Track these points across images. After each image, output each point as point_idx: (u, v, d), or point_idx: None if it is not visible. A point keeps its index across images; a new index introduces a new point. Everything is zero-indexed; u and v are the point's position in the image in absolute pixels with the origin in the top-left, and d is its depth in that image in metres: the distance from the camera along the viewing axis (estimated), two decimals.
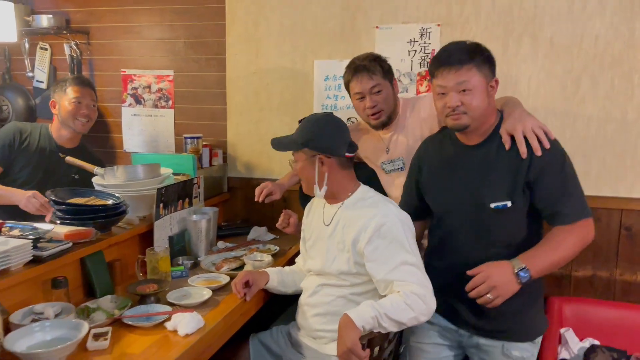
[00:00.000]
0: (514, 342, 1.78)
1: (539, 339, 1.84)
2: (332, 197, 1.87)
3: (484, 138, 1.78)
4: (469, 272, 1.65)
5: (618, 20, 2.32)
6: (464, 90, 1.66)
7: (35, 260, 1.68)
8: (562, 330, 2.34)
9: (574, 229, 1.65)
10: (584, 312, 2.41)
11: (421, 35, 2.58)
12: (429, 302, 1.62)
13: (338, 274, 1.79)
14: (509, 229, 1.74)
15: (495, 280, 1.60)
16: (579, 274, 2.52)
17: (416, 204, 1.99)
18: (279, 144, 1.87)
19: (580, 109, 2.41)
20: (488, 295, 1.60)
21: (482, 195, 1.72)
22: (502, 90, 2.46)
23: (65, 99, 2.47)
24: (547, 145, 1.65)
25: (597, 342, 2.30)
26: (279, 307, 2.24)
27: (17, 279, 1.61)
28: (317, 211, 1.99)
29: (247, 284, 1.91)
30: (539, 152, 1.64)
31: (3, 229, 1.75)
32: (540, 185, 1.67)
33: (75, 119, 2.47)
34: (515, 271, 1.60)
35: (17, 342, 1.42)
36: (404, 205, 1.96)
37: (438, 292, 1.67)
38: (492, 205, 1.70)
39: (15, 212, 2.15)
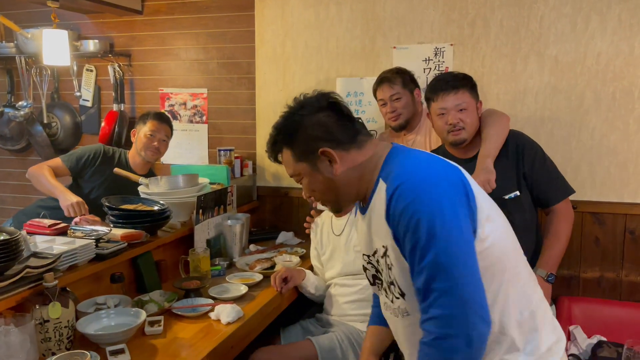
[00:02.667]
0: None
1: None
2: None
3: (476, 150, 2.08)
4: None
5: (618, 39, 2.51)
6: (461, 110, 1.99)
7: (97, 258, 1.92)
8: (571, 328, 2.49)
9: (562, 212, 2.08)
10: (592, 311, 2.56)
11: (435, 54, 2.80)
12: None
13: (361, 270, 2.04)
14: (522, 215, 2.05)
15: None
16: (587, 275, 2.68)
17: None
18: None
19: (585, 121, 2.60)
20: None
21: (495, 192, 1.97)
22: (512, 104, 2.67)
23: (143, 130, 2.72)
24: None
25: (604, 339, 2.45)
26: (304, 307, 2.46)
27: (82, 274, 1.85)
28: (324, 227, 2.34)
29: (285, 280, 2.15)
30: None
31: (69, 231, 2.01)
32: (533, 174, 2.05)
33: (146, 149, 2.72)
34: (545, 279, 2.04)
35: (88, 326, 1.66)
36: None
37: None
38: (506, 197, 2.02)
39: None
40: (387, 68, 2.68)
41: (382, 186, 1.22)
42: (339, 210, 1.40)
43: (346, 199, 1.33)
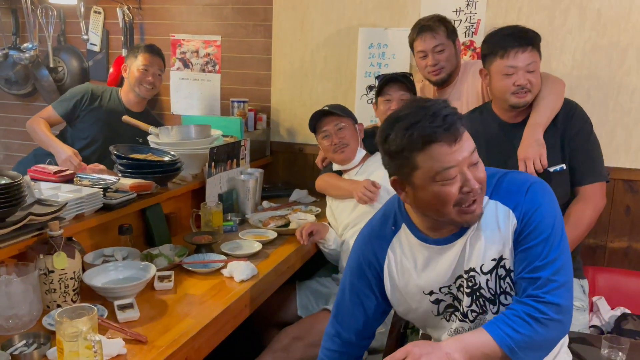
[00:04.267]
0: None
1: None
2: (349, 165, 2.22)
3: (527, 114, 1.91)
4: None
5: None
6: (530, 71, 1.80)
7: (105, 208, 1.82)
8: (594, 299, 2.40)
9: (590, 196, 1.89)
10: (617, 282, 2.46)
11: (467, 4, 2.60)
12: None
13: None
14: (563, 189, 1.89)
15: None
16: (614, 245, 2.56)
17: None
18: (336, 108, 2.21)
19: (625, 82, 2.42)
20: None
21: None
22: (547, 60, 2.49)
23: (135, 65, 2.60)
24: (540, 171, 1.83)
25: (628, 311, 2.36)
26: (320, 263, 2.38)
27: (89, 224, 1.76)
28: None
29: (310, 234, 2.11)
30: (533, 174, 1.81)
31: (75, 179, 1.90)
32: (572, 145, 1.88)
33: (140, 84, 2.61)
34: None
35: (95, 278, 1.58)
36: None
37: None
38: (551, 169, 1.85)
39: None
40: (414, 18, 2.49)
41: (492, 202, 1.26)
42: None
43: None
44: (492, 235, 1.24)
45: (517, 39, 1.80)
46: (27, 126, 2.64)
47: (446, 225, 1.26)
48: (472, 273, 1.27)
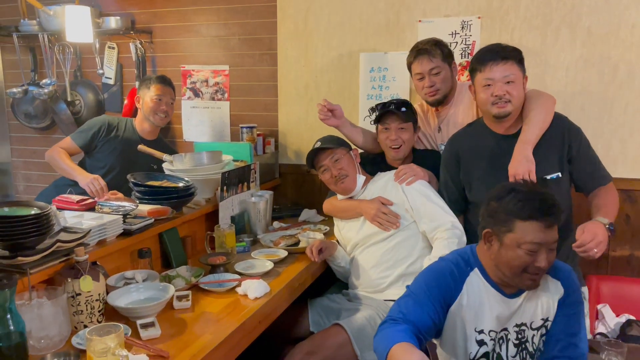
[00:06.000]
0: None
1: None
2: (353, 193, 2.29)
3: (520, 126, 2.01)
4: (578, 237, 1.78)
5: None
6: (508, 82, 1.92)
7: (125, 233, 1.94)
8: (599, 306, 2.45)
9: (609, 188, 2.05)
10: (621, 290, 2.52)
11: (462, 27, 2.72)
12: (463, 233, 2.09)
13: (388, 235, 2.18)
14: (561, 197, 1.95)
15: (601, 237, 1.80)
16: (617, 254, 2.62)
17: (456, 198, 2.20)
18: (328, 141, 2.29)
19: (618, 95, 2.52)
20: (595, 250, 1.78)
21: (536, 172, 1.94)
22: (541, 78, 2.60)
23: (148, 95, 2.74)
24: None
25: (632, 317, 2.41)
26: (330, 281, 2.47)
27: (111, 249, 1.87)
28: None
29: (320, 251, 2.19)
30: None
31: (97, 207, 2.02)
32: (580, 160, 2.00)
33: (155, 114, 2.75)
34: (606, 226, 1.88)
35: (118, 299, 1.68)
36: (447, 202, 2.18)
37: None
38: (547, 177, 1.97)
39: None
40: (412, 42, 2.61)
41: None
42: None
43: None
44: (545, 299, 1.54)
45: (493, 53, 1.95)
46: (47, 156, 2.76)
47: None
48: (522, 327, 1.55)
